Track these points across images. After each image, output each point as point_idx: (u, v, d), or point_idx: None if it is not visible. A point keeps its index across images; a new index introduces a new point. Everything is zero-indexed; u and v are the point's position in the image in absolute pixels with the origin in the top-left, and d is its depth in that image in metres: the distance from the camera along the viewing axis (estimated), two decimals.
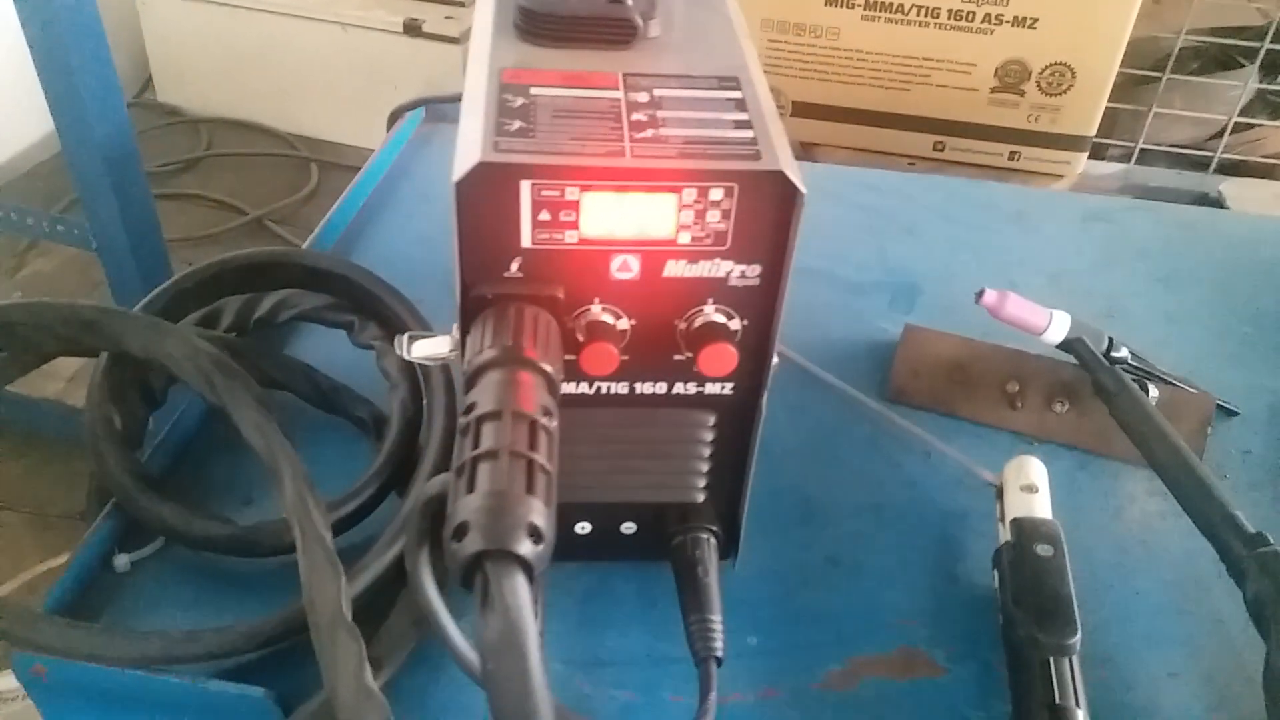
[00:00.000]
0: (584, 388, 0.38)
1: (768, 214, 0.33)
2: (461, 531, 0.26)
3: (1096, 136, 0.95)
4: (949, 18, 0.91)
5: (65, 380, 1.22)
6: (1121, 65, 0.90)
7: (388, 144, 0.72)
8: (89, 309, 0.44)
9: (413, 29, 1.77)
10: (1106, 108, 0.93)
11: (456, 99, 0.42)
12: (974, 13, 0.90)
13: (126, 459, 0.45)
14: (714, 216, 0.33)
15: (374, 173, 0.70)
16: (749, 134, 0.33)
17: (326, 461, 0.46)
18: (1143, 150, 1.07)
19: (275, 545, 0.43)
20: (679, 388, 0.38)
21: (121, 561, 0.44)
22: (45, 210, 1.17)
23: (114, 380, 0.46)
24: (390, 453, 0.46)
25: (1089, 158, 0.97)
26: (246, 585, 0.44)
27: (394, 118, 0.75)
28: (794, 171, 0.32)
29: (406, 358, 0.38)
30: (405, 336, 0.38)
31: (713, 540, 0.42)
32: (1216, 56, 1.13)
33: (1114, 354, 0.52)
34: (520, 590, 0.26)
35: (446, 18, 1.79)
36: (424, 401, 0.48)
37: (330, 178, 1.83)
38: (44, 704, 0.40)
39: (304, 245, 0.61)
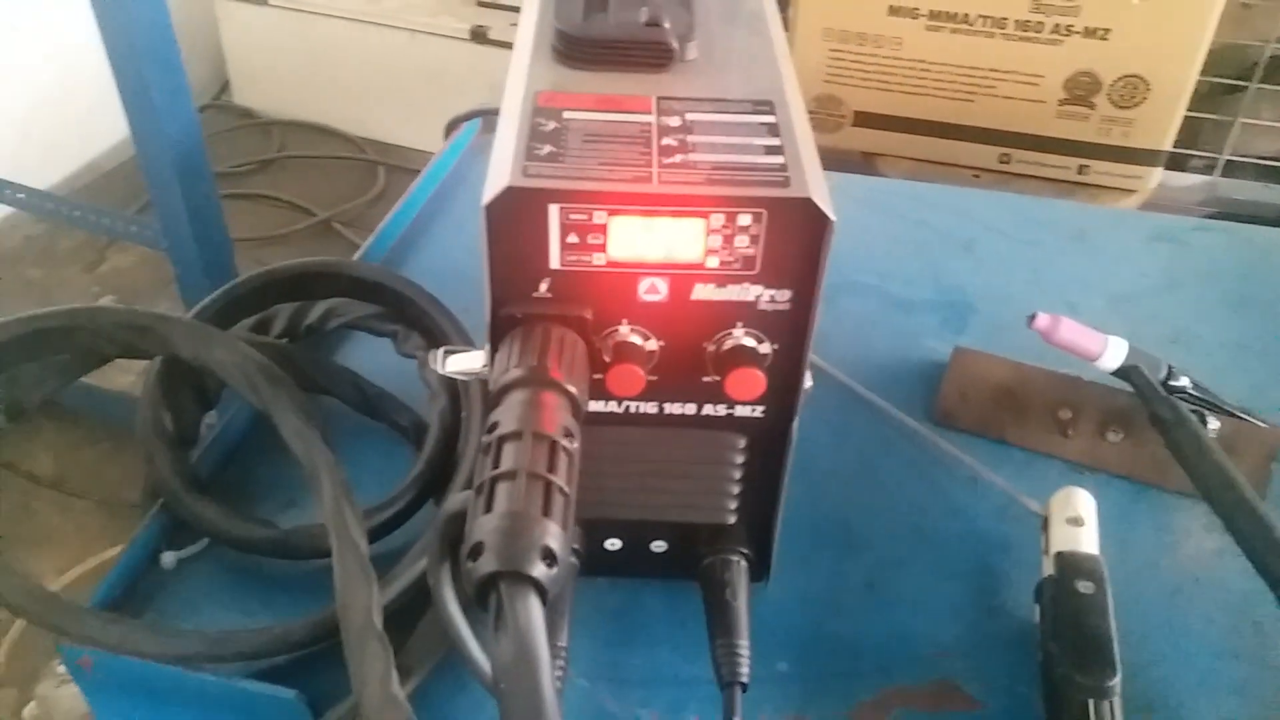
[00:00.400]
0: (613, 406, 0.38)
1: (797, 240, 0.32)
2: (477, 551, 0.27)
3: (1178, 147, 0.92)
4: (1016, 28, 0.89)
5: (136, 373, 1.27)
6: (1206, 74, 0.87)
7: (444, 154, 0.73)
8: (142, 315, 0.45)
9: (479, 36, 1.80)
10: (1188, 117, 0.90)
11: None
12: (1042, 23, 0.88)
13: (175, 460, 0.46)
14: (742, 241, 0.32)
15: (429, 182, 0.71)
16: (779, 159, 0.33)
17: (368, 466, 0.47)
18: (1228, 162, 1.02)
19: (314, 549, 0.44)
20: (708, 409, 0.37)
21: (169, 559, 0.45)
22: (122, 210, 1.22)
23: (167, 382, 0.48)
24: (428, 461, 0.47)
25: (1169, 169, 0.94)
26: (287, 586, 0.45)
27: (450, 128, 0.76)
28: (823, 198, 0.31)
29: (441, 372, 0.39)
30: (440, 351, 0.39)
31: (743, 563, 0.41)
32: None
33: (1173, 383, 0.50)
34: (533, 612, 0.26)
35: (512, 25, 1.81)
36: (463, 412, 0.49)
37: (397, 181, 1.87)
38: (90, 693, 0.42)
39: (359, 253, 0.63)
